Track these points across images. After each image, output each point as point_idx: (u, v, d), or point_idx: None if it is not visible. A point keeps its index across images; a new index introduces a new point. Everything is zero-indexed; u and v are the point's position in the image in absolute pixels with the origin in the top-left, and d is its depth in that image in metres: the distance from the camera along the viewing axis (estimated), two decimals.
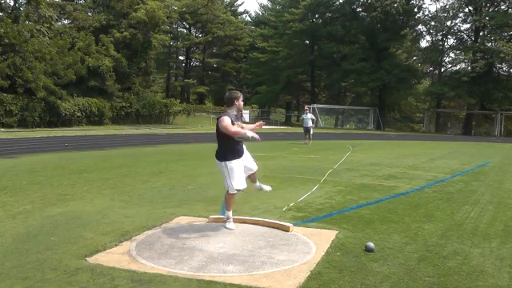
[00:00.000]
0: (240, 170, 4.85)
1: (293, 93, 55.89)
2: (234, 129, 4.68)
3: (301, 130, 23.17)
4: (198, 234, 4.72)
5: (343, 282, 3.52)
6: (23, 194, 6.67)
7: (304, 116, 20.80)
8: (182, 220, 5.35)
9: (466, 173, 10.83)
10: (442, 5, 61.20)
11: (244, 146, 4.99)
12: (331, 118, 51.77)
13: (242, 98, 4.96)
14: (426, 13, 55.91)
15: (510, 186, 8.91)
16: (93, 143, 17.37)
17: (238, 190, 4.85)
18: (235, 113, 4.88)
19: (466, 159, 14.62)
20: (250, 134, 4.74)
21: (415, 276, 3.72)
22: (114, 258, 3.96)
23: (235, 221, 5.16)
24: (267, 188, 5.35)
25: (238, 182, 4.81)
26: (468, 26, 45.72)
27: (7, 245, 4.28)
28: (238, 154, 4.86)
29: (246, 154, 5.01)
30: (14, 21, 26.38)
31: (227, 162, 4.79)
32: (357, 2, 46.79)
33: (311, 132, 19.78)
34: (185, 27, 56.90)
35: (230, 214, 5.04)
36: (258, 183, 5.35)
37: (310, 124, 19.65)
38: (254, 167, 5.14)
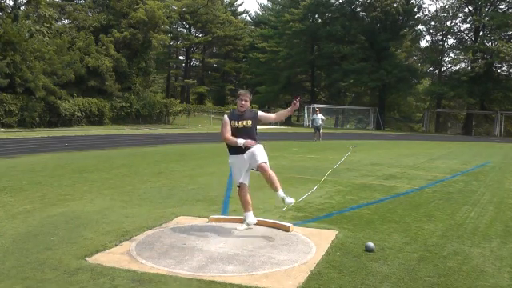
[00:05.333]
0: (238, 165, 4.88)
1: (293, 93, 55.69)
2: (226, 135, 4.85)
3: (301, 130, 23.99)
4: (198, 234, 4.72)
5: (343, 282, 3.52)
6: (23, 194, 6.67)
7: (315, 116, 22.84)
8: (182, 220, 5.35)
9: (466, 173, 10.83)
10: (441, 5, 61.32)
11: (254, 142, 4.83)
12: (331, 118, 51.71)
13: (243, 97, 4.93)
14: (426, 13, 56.06)
15: (509, 186, 8.91)
16: (93, 143, 17.36)
17: (238, 186, 4.92)
18: (237, 112, 4.94)
19: (465, 159, 14.61)
20: (242, 142, 4.73)
21: (415, 276, 3.72)
22: (114, 257, 3.96)
23: (235, 221, 5.16)
24: (290, 201, 4.79)
25: (236, 177, 4.93)
26: (468, 25, 45.78)
27: (7, 245, 4.28)
28: (237, 149, 4.84)
29: (256, 148, 4.81)
30: (13, 20, 26.33)
31: (229, 157, 4.98)
32: (357, 2, 46.79)
33: (321, 130, 22.27)
34: (185, 27, 56.80)
35: (245, 214, 4.95)
36: (280, 193, 4.80)
37: (320, 123, 22.14)
38: (261, 159, 4.78)
